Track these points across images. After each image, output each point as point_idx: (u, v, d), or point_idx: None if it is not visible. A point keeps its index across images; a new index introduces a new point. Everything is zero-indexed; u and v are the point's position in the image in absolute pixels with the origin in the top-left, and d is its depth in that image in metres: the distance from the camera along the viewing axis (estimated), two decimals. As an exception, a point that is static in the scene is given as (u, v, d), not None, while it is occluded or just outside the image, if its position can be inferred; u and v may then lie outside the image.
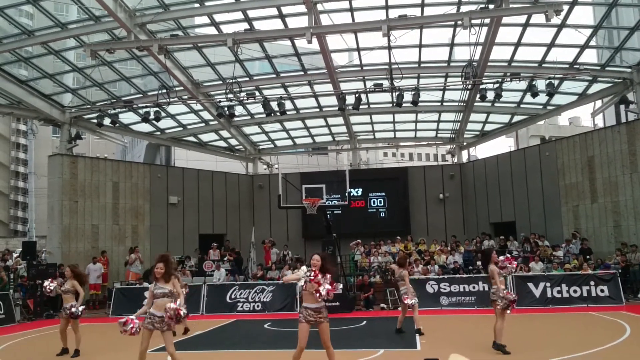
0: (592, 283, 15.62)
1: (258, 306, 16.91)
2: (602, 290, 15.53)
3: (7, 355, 10.45)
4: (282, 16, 15.06)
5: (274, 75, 19.01)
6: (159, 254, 8.05)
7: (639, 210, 17.74)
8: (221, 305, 16.91)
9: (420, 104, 17.98)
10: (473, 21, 13.83)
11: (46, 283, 10.81)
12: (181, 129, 23.66)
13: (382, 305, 17.02)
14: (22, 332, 14.16)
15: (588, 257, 17.54)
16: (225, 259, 20.61)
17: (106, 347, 11.26)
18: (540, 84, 17.09)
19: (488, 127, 24.96)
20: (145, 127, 22.51)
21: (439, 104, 21.69)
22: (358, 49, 17.08)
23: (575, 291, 15.64)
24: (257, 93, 18.83)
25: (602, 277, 15.75)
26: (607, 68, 18.16)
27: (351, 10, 14.95)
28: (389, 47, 16.07)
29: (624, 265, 16.78)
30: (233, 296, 17.14)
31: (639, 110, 18.24)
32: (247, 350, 10.51)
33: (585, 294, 15.55)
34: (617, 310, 14.06)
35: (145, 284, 18.23)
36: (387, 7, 14.58)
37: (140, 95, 19.74)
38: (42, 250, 22.46)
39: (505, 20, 14.70)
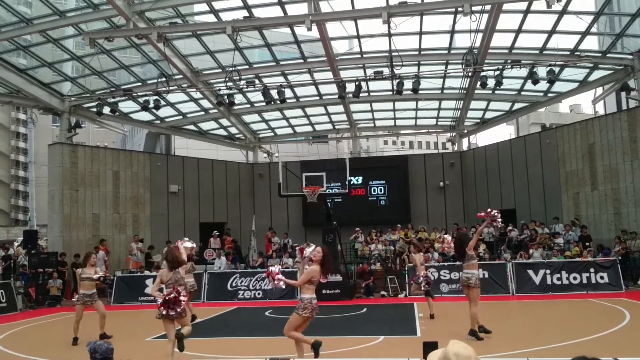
0: (592, 270, 15.67)
1: (259, 294, 16.99)
2: (601, 277, 15.58)
3: (9, 344, 10.51)
4: (281, 3, 14.94)
5: (274, 63, 18.93)
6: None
7: (639, 197, 17.74)
8: (222, 293, 16.98)
9: (420, 92, 17.91)
10: (473, 8, 13.72)
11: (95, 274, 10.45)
12: (181, 117, 23.60)
13: (382, 292, 17.09)
14: (24, 320, 14.24)
15: (587, 244, 17.58)
16: (223, 248, 20.62)
17: (113, 335, 11.27)
18: (541, 71, 17.02)
19: (488, 115, 24.89)
20: (145, 116, 22.46)
21: (440, 91, 21.59)
22: (358, 37, 16.97)
23: (575, 278, 15.69)
24: (256, 81, 18.76)
25: (602, 264, 15.80)
26: (608, 55, 18.07)
27: (351, -4, 14.83)
28: (389, 35, 15.96)
29: (623, 252, 16.82)
30: (234, 284, 17.20)
31: (640, 97, 18.19)
32: (248, 337, 10.57)
33: (585, 281, 15.60)
34: (617, 297, 14.11)
35: (147, 272, 18.32)
36: (387, -6, 14.47)
37: (140, 83, 19.68)
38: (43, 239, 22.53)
39: (505, 6, 14.60)
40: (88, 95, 20.03)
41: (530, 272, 15.96)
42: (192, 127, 25.28)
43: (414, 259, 12.74)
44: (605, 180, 18.83)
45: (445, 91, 21.64)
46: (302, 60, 18.80)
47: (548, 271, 15.86)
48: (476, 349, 2.27)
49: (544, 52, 17.80)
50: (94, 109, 19.49)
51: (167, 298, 7.52)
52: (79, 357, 6.45)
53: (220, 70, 18.65)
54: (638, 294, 14.62)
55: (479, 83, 17.50)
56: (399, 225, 21.27)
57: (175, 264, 8.03)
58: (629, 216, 18.01)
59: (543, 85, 18.99)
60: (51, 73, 19.08)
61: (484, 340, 8.98)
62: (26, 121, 60.17)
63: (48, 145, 20.96)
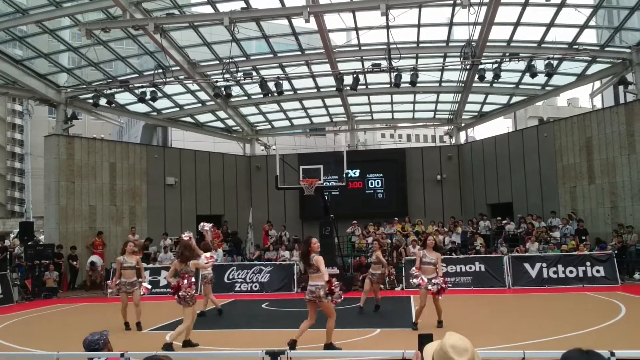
0: (588, 264, 15.72)
1: (256, 286, 17.00)
2: (597, 271, 15.63)
3: (5, 335, 10.49)
4: (279, -6, 14.87)
5: (271, 55, 18.85)
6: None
7: (636, 191, 17.78)
8: (219, 286, 16.91)
9: (418, 85, 17.86)
10: (472, 0, 13.68)
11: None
12: (178, 109, 23.52)
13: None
14: (20, 312, 14.21)
15: (584, 238, 17.63)
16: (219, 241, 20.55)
17: (109, 327, 11.28)
18: (539, 65, 16.98)
19: (486, 108, 24.86)
20: (142, 108, 22.37)
21: (437, 84, 21.55)
22: (356, 29, 16.90)
23: (571, 271, 15.74)
24: (254, 73, 18.69)
25: (598, 257, 15.85)
26: (606, 48, 18.04)
27: (349, -12, 14.76)
28: (387, 27, 15.86)
29: (620, 246, 16.86)
30: (231, 276, 17.20)
31: (638, 91, 18.17)
32: (245, 329, 10.57)
33: (581, 275, 15.65)
34: (613, 291, 14.16)
35: (144, 265, 18.29)
36: (385, -14, 14.37)
37: (136, 75, 19.59)
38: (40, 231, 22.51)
39: (504, -1, 14.55)
40: (84, 86, 19.93)
41: (527, 265, 16.00)
42: (189, 119, 25.21)
43: (378, 255, 12.61)
44: (602, 174, 18.85)
45: (443, 84, 21.60)
46: (299, 53, 18.72)
47: (544, 265, 15.91)
48: (472, 341, 2.25)
49: (542, 45, 17.76)
50: (91, 101, 19.39)
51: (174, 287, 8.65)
52: (74, 348, 6.43)
53: (217, 62, 18.57)
54: (634, 288, 14.67)
55: (477, 76, 17.45)
56: (396, 218, 21.29)
57: (185, 257, 8.83)
58: (626, 210, 18.05)
59: (541, 78, 18.93)
60: (47, 64, 18.97)
61: (480, 333, 8.98)
62: (22, 112, 59.96)
63: (44, 137, 20.90)
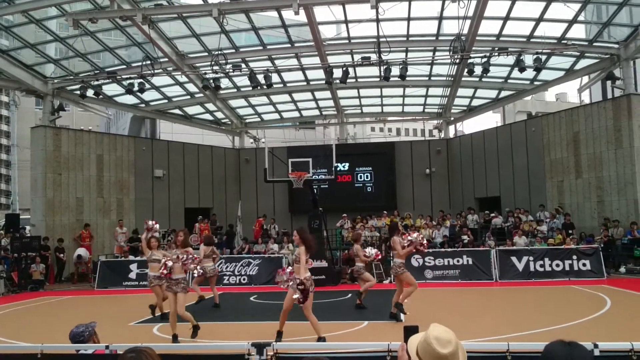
0: (574, 257, 15.84)
1: (244, 279, 16.97)
2: (584, 264, 15.76)
3: (-9, 328, 10.40)
4: (268, -14, 14.77)
5: (261, 47, 18.74)
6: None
7: (622, 186, 17.93)
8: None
9: (407, 79, 17.87)
10: (462, -6, 13.68)
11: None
12: (166, 101, 23.35)
13: (367, 278, 17.13)
14: (6, 304, 14.09)
15: (570, 232, 17.77)
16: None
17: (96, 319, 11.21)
18: (528, 59, 17.04)
19: (475, 103, 24.94)
20: (130, 99, 22.19)
21: (427, 78, 21.57)
22: (346, 21, 16.85)
23: (557, 265, 15.85)
24: (243, 65, 18.59)
25: (585, 251, 15.98)
26: (594, 43, 18.13)
27: (339, -19, 14.68)
28: (377, 20, 15.83)
29: (606, 240, 17.02)
30: (219, 269, 17.12)
31: (625, 87, 18.30)
32: (233, 322, 10.57)
33: (567, 268, 15.78)
34: (599, 284, 14.29)
35: (131, 257, 18.23)
36: (375, -21, 14.32)
37: (124, 66, 19.40)
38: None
39: (494, -7, 14.56)
40: (72, 77, 19.72)
41: (514, 258, 16.10)
42: (177, 111, 25.04)
43: (357, 249, 12.65)
44: (589, 168, 18.99)
45: (432, 78, 21.64)
46: (289, 45, 18.63)
47: (531, 258, 16.01)
48: (458, 334, 2.25)
49: (531, 39, 17.81)
50: (78, 92, 19.20)
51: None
52: (61, 341, 6.40)
53: (206, 53, 18.44)
54: (619, 281, 14.83)
55: (466, 70, 17.48)
56: (385, 211, 21.32)
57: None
58: (612, 204, 18.21)
59: (529, 73, 19.04)
60: (34, 54, 18.73)
61: (466, 325, 9.04)
62: (8, 104, 59.19)
63: (31, 128, 20.66)
